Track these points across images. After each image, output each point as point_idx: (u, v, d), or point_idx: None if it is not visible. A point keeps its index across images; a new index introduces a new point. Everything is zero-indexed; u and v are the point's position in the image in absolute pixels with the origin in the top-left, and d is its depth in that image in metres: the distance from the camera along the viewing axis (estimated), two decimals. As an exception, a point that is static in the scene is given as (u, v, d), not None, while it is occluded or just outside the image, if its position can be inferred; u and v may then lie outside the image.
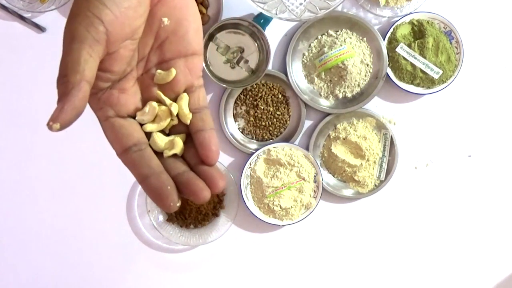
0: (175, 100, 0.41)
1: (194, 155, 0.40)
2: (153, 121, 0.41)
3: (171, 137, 0.41)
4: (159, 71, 0.41)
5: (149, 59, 0.41)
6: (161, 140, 0.40)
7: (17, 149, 0.96)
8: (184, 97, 0.41)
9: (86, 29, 0.36)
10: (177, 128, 0.42)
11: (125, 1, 0.37)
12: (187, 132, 0.41)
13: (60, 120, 0.35)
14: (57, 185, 0.97)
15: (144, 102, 0.41)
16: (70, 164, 0.97)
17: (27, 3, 0.91)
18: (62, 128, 0.35)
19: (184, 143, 0.41)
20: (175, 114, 0.41)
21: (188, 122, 0.41)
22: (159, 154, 0.40)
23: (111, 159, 1.02)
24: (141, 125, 0.40)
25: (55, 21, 0.94)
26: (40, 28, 0.93)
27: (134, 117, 0.41)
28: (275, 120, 0.97)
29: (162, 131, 0.41)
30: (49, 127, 0.35)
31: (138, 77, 0.41)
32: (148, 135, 0.40)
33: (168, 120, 0.41)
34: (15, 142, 0.96)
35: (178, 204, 0.37)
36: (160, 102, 0.41)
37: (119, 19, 0.37)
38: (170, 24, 0.40)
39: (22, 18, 0.93)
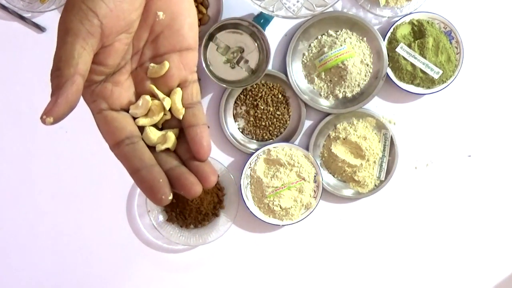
0: (168, 94, 0.41)
1: (187, 150, 0.40)
2: (146, 115, 0.41)
3: (164, 132, 0.41)
4: (152, 64, 0.41)
5: (143, 53, 0.41)
6: (153, 134, 0.40)
7: (17, 149, 0.96)
8: (178, 92, 0.41)
9: (80, 22, 0.36)
10: (170, 122, 0.42)
11: None
12: (180, 127, 0.41)
13: (53, 113, 0.35)
14: (57, 185, 0.97)
15: (138, 96, 0.41)
16: (70, 164, 0.97)
17: (27, 3, 0.91)
18: (55, 121, 0.35)
19: (177, 138, 0.41)
20: (168, 108, 0.41)
21: (180, 117, 0.41)
22: (151, 148, 0.40)
23: (111, 159, 1.02)
24: (134, 118, 0.41)
25: (55, 21, 0.93)
26: (40, 28, 0.93)
27: (127, 110, 0.41)
28: (275, 120, 0.97)
29: (155, 125, 0.41)
30: (43, 120, 0.35)
31: (132, 71, 0.41)
32: (141, 129, 0.40)
33: (161, 114, 0.41)
34: (15, 141, 0.96)
35: (170, 198, 0.37)
36: (154, 96, 0.41)
37: (114, 13, 0.37)
38: (165, 19, 0.40)
39: (22, 18, 0.93)
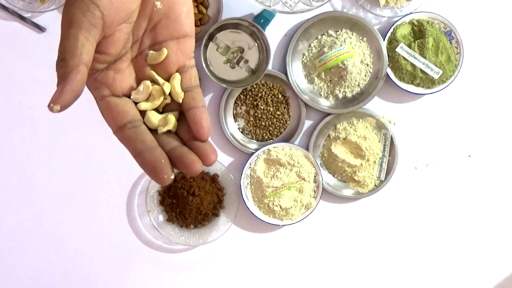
0: (168, 79, 0.43)
1: (187, 131, 0.42)
2: (147, 99, 0.43)
3: (165, 115, 0.43)
4: (151, 51, 0.43)
5: (142, 41, 0.43)
6: (155, 118, 0.42)
7: (17, 149, 0.96)
8: (177, 77, 0.43)
9: (82, 14, 0.38)
10: (170, 106, 0.43)
11: None
12: (180, 109, 0.43)
13: (60, 101, 0.36)
14: (57, 185, 0.97)
15: (139, 82, 0.43)
16: (70, 164, 0.97)
17: (27, 3, 0.91)
18: (62, 109, 0.37)
19: (177, 120, 0.43)
20: (167, 93, 0.43)
21: (180, 100, 0.43)
22: (153, 131, 0.42)
23: (111, 159, 1.02)
24: (136, 103, 0.42)
25: (55, 21, 0.94)
26: (40, 28, 0.93)
27: (129, 96, 0.42)
28: (275, 120, 0.97)
29: (156, 109, 0.43)
30: (50, 108, 0.36)
31: (132, 59, 0.43)
32: (143, 113, 0.42)
33: (162, 98, 0.43)
34: (15, 141, 0.96)
35: (172, 177, 0.39)
36: (154, 81, 0.43)
37: (114, 4, 0.39)
38: (162, 8, 0.42)
39: (22, 18, 0.93)
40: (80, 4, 0.38)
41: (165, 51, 0.42)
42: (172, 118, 0.42)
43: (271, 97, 0.96)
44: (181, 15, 0.43)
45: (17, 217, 0.97)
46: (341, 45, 0.93)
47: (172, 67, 0.43)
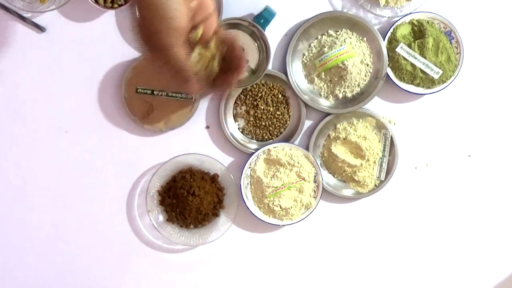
0: (206, 44, 0.66)
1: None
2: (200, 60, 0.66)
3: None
4: (194, 34, 0.64)
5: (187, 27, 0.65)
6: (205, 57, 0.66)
7: (16, 149, 0.96)
8: (216, 57, 0.67)
9: (173, 37, 0.61)
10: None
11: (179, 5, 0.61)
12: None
13: (195, 91, 0.67)
14: (57, 185, 0.97)
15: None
16: (70, 164, 0.96)
17: (27, 3, 0.91)
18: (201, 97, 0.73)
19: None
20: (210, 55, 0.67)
21: (217, 69, 0.67)
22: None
23: (111, 159, 1.01)
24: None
25: (55, 21, 0.93)
26: (40, 28, 0.93)
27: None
28: (275, 120, 0.97)
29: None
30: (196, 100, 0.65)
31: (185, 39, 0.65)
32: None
33: (209, 56, 0.67)
34: (15, 142, 0.96)
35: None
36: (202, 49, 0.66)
37: (185, 16, 0.61)
38: (195, 4, 0.63)
39: (22, 18, 0.93)
40: (167, 35, 0.60)
41: (199, 31, 0.64)
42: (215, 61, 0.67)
43: (271, 97, 0.96)
44: (208, 4, 0.64)
45: (17, 217, 0.97)
46: (341, 45, 0.93)
47: (204, 37, 0.65)
